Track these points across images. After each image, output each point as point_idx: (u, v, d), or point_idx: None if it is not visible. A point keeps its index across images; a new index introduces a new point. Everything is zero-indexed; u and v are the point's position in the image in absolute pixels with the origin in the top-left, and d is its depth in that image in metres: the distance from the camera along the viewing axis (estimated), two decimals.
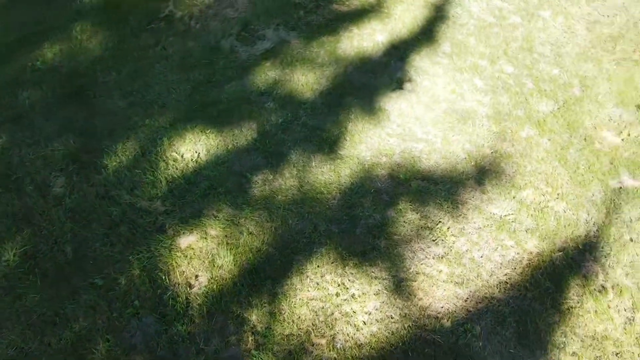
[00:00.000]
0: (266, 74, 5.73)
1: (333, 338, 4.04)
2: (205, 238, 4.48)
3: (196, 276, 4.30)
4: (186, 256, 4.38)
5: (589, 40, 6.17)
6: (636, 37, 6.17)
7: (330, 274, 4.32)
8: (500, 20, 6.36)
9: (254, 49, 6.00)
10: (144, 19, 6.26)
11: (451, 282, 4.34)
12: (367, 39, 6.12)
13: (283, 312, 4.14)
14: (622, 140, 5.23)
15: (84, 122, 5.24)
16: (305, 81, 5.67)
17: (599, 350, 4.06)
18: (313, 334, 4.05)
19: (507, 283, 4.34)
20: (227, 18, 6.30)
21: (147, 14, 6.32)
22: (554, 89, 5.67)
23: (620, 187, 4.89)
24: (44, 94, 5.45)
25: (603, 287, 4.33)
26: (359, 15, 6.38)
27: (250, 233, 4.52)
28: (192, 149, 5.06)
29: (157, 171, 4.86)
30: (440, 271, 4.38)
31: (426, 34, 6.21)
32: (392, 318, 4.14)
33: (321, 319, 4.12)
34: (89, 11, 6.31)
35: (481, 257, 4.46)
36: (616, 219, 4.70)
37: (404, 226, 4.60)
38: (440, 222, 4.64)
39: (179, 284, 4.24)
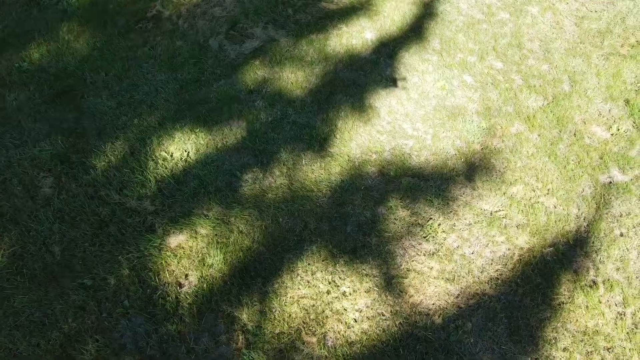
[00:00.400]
0: (255, 73, 5.70)
1: (324, 336, 4.03)
2: (195, 237, 4.46)
3: (186, 275, 4.27)
4: (176, 255, 4.35)
5: (577, 35, 6.18)
6: (623, 32, 6.18)
7: (321, 271, 4.31)
8: (489, 17, 6.35)
9: (242, 47, 5.97)
10: (131, 19, 6.22)
11: (442, 278, 4.33)
12: (356, 36, 6.11)
13: (274, 310, 4.13)
14: (612, 135, 5.23)
15: (73, 122, 5.20)
16: (295, 79, 5.65)
17: (590, 345, 4.06)
18: (304, 332, 4.04)
19: (498, 279, 4.34)
20: (216, 17, 6.27)
21: (134, 13, 6.28)
22: (543, 84, 5.67)
23: (610, 182, 4.90)
24: (31, 94, 5.41)
25: (594, 282, 4.34)
26: (347, 13, 6.36)
27: (240, 232, 4.50)
28: (182, 148, 5.03)
29: (146, 171, 4.84)
30: (431, 268, 4.38)
31: (415, 31, 6.20)
32: (383, 315, 4.13)
33: (312, 317, 4.10)
34: (75, 11, 6.26)
35: (472, 253, 4.46)
36: (606, 213, 4.71)
37: (395, 223, 4.59)
38: (430, 218, 4.64)
39: (168, 284, 4.22)
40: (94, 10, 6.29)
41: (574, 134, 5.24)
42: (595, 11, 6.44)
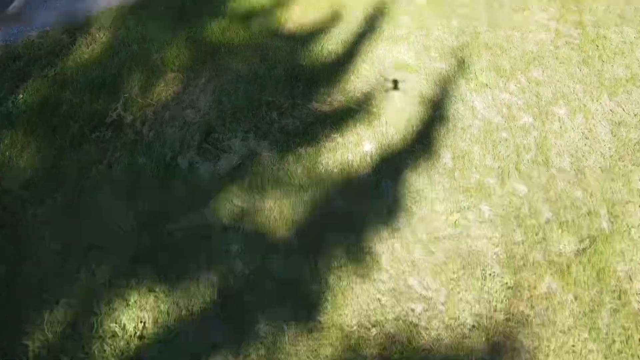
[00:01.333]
0: (231, 203, 4.74)
1: None
2: None
3: None
4: None
5: (614, 149, 5.20)
6: None
7: None
8: (509, 121, 5.38)
9: (217, 165, 5.00)
10: (87, 125, 5.23)
11: None
12: (352, 150, 5.13)
13: None
14: None
15: (5, 277, 4.24)
16: (279, 212, 4.69)
17: None
18: None
19: None
20: (187, 122, 5.29)
21: (90, 117, 5.29)
22: (577, 219, 4.71)
23: None
24: None
25: None
26: (342, 118, 5.38)
27: None
28: (137, 316, 4.09)
29: (90, 357, 3.87)
30: None
31: (422, 142, 5.23)
32: None
33: None
34: (21, 115, 5.26)
35: None
36: None
37: None
38: None
39: None
40: (42, 113, 5.30)
41: (618, 296, 4.28)
42: (635, 114, 5.46)
